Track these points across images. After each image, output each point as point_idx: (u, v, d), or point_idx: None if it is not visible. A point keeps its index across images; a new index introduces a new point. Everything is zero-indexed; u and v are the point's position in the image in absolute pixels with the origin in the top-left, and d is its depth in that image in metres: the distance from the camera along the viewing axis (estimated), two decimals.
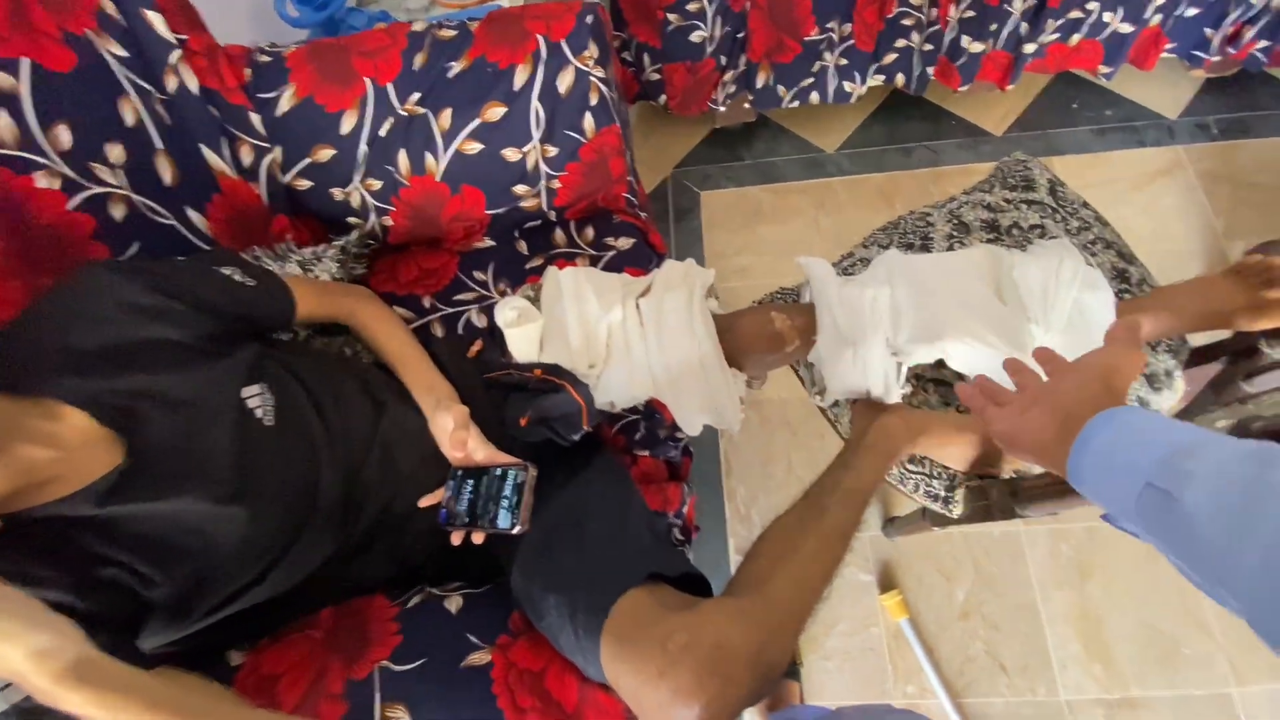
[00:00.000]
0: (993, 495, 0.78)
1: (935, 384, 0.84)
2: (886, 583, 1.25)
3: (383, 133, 0.91)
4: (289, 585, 0.65)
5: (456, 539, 0.69)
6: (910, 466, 0.82)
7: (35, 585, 0.48)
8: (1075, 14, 1.44)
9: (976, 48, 1.49)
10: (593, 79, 0.91)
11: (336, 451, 0.68)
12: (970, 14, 1.42)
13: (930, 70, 1.56)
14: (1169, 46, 1.55)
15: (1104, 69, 1.57)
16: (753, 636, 0.49)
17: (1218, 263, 1.46)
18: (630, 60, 1.54)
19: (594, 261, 1.01)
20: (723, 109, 1.59)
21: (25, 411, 0.53)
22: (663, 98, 1.57)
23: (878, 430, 0.72)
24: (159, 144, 0.80)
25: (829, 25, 1.44)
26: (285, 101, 0.90)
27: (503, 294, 0.99)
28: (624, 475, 0.79)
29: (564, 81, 0.90)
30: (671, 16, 1.39)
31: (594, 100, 0.92)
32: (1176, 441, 0.40)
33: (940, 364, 0.76)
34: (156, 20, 0.81)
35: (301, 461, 0.65)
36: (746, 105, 1.61)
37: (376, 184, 0.94)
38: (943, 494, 0.81)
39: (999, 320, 0.72)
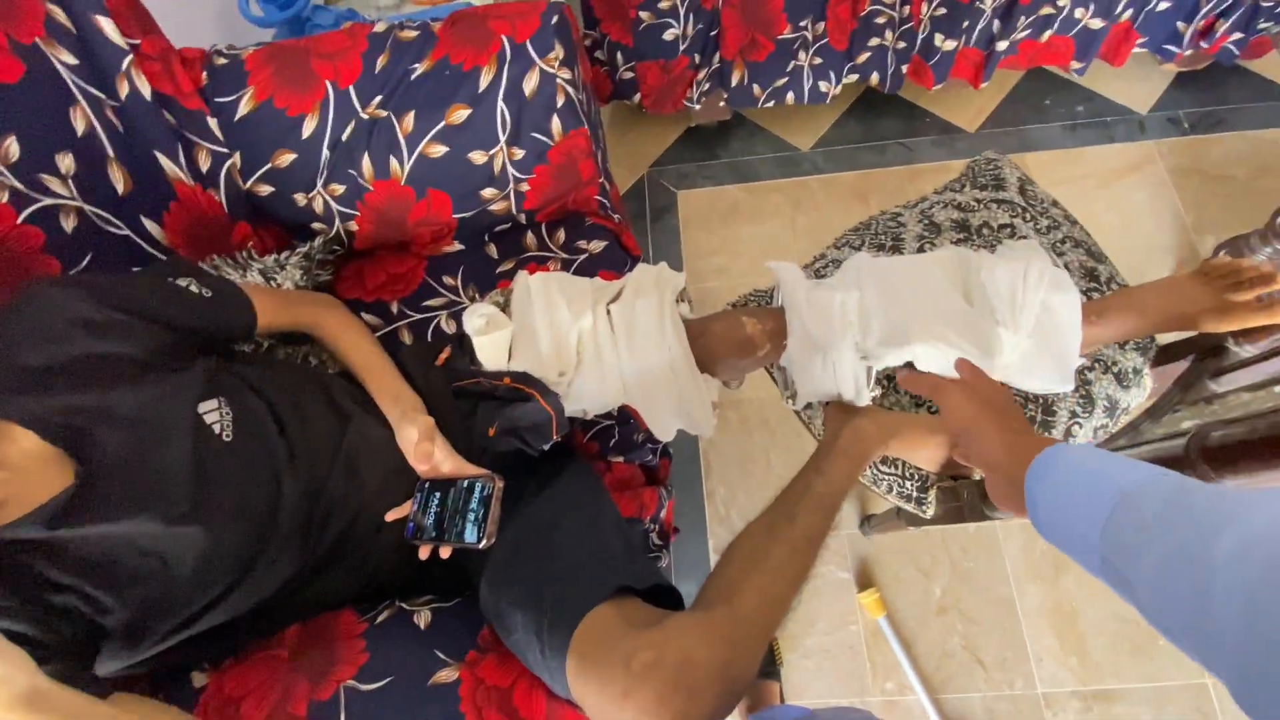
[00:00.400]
0: (964, 496, 0.78)
1: None
2: (864, 580, 1.26)
3: (345, 137, 0.89)
4: (250, 605, 0.64)
5: (424, 553, 0.68)
6: (883, 468, 0.82)
7: None
8: (1047, 10, 1.45)
9: (949, 45, 1.49)
10: (559, 81, 0.89)
11: (299, 466, 0.67)
12: (942, 11, 1.43)
13: (904, 68, 1.56)
14: (1140, 41, 1.56)
15: (1075, 65, 1.58)
16: (719, 652, 0.49)
17: (1188, 257, 1.48)
18: (603, 59, 1.52)
19: (566, 265, 1.00)
20: (697, 107, 1.59)
21: None
22: (637, 96, 1.56)
23: (849, 434, 0.72)
24: (111, 152, 0.78)
25: (802, 23, 1.43)
26: (244, 105, 0.88)
27: (473, 299, 0.98)
28: (596, 484, 0.79)
29: (529, 83, 0.89)
30: (643, 14, 1.38)
31: (560, 102, 0.90)
32: (1110, 493, 0.39)
33: (910, 366, 0.76)
34: (108, 25, 0.79)
35: (262, 477, 0.64)
36: (721, 103, 1.60)
37: (340, 188, 0.92)
38: (915, 495, 0.81)
39: (966, 323, 0.72)
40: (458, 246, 1.04)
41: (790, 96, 1.57)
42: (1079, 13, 1.47)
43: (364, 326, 0.83)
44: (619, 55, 1.48)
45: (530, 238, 1.04)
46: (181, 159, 0.83)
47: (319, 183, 0.91)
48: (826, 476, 0.68)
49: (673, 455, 1.10)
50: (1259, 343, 0.73)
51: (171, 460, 0.58)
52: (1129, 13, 1.49)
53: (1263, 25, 1.50)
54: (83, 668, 0.54)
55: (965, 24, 1.45)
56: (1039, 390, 0.78)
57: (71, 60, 0.76)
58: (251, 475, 0.63)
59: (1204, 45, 1.55)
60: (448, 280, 1.00)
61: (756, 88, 1.55)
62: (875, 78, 1.57)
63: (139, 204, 0.80)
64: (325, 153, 0.89)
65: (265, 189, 0.92)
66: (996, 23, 1.46)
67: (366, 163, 0.90)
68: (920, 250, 0.89)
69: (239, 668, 0.64)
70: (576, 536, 0.66)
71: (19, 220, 0.70)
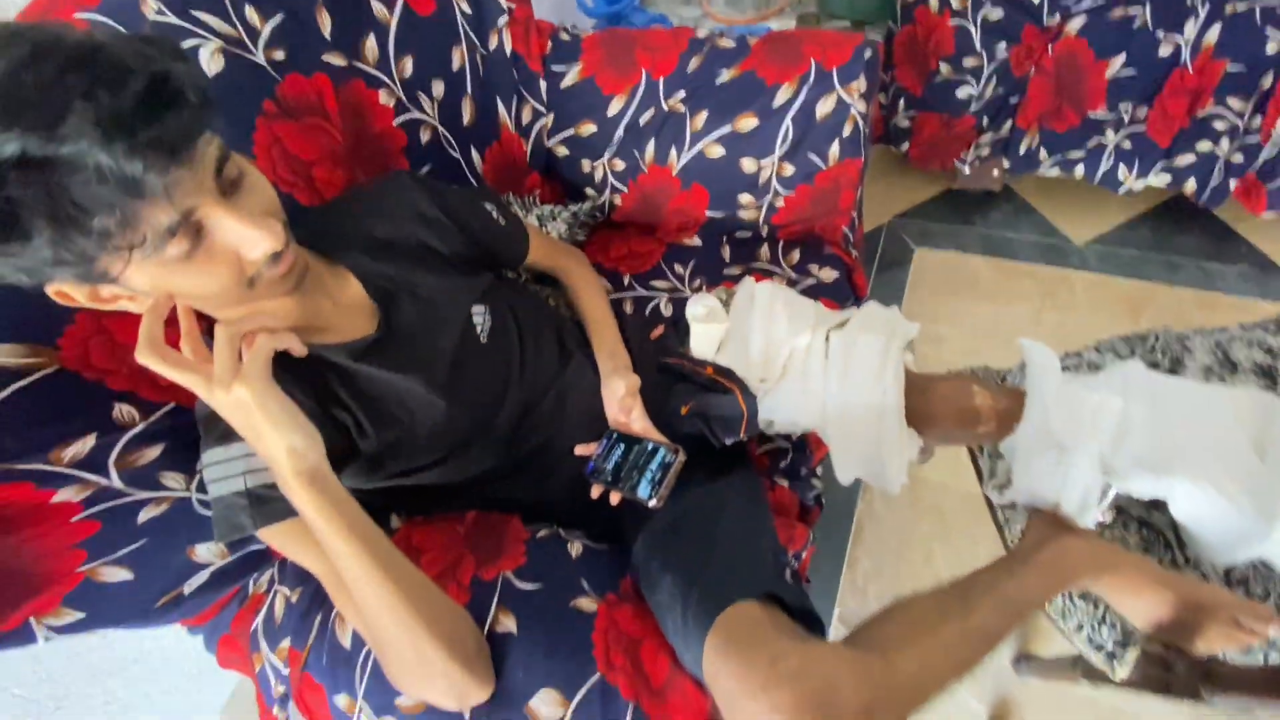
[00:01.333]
0: (1177, 668, 0.67)
1: (1140, 525, 0.73)
2: None
3: (642, 121, 0.99)
4: (452, 479, 0.74)
5: (595, 493, 0.74)
6: (1079, 601, 0.73)
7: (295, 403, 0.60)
8: None
9: None
10: (853, 110, 0.91)
11: (525, 381, 0.77)
12: None
13: (1232, 184, 1.34)
14: None
15: None
16: (863, 692, 0.47)
17: None
18: (883, 102, 1.51)
19: (790, 284, 1.02)
20: (967, 170, 1.51)
21: (326, 270, 0.66)
22: (905, 145, 1.53)
23: (1057, 549, 0.65)
24: (469, 90, 0.95)
25: (1121, 106, 1.30)
26: (570, 76, 1.02)
27: (696, 290, 1.04)
28: (762, 495, 0.80)
29: (823, 107, 0.92)
30: (943, 67, 1.35)
31: (847, 131, 0.92)
32: None
33: (1155, 504, 0.67)
34: None
35: (497, 380, 0.74)
36: (995, 172, 1.51)
37: (621, 164, 1.03)
38: (1110, 648, 0.71)
39: (1251, 478, 0.61)
40: (697, 241, 1.10)
41: (1080, 170, 1.42)
42: None
43: (602, 287, 0.92)
44: (902, 101, 1.47)
45: (765, 250, 1.08)
46: (514, 109, 0.99)
47: (606, 155, 1.03)
48: (1018, 582, 0.62)
49: (824, 506, 1.06)
50: None
51: (443, 341, 0.70)
52: None
53: None
54: (338, 473, 0.67)
55: None
56: None
57: (467, 10, 0.94)
58: (490, 374, 0.74)
59: None
60: (678, 268, 1.07)
61: (1044, 152, 1.43)
62: (1191, 185, 1.38)
63: (473, 136, 0.97)
64: (621, 132, 1.00)
65: (563, 150, 1.05)
66: None
67: (651, 148, 1.00)
68: (1205, 384, 0.77)
69: (426, 526, 0.75)
70: (739, 532, 0.68)
71: (394, 123, 0.88)
